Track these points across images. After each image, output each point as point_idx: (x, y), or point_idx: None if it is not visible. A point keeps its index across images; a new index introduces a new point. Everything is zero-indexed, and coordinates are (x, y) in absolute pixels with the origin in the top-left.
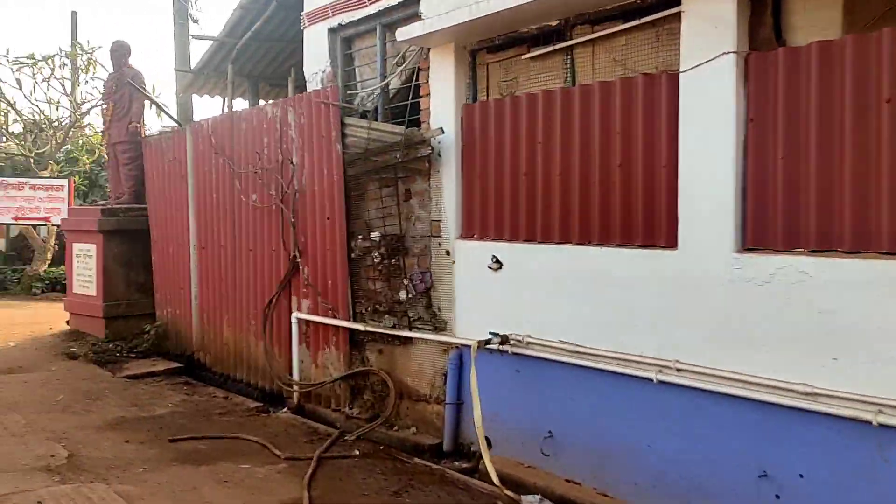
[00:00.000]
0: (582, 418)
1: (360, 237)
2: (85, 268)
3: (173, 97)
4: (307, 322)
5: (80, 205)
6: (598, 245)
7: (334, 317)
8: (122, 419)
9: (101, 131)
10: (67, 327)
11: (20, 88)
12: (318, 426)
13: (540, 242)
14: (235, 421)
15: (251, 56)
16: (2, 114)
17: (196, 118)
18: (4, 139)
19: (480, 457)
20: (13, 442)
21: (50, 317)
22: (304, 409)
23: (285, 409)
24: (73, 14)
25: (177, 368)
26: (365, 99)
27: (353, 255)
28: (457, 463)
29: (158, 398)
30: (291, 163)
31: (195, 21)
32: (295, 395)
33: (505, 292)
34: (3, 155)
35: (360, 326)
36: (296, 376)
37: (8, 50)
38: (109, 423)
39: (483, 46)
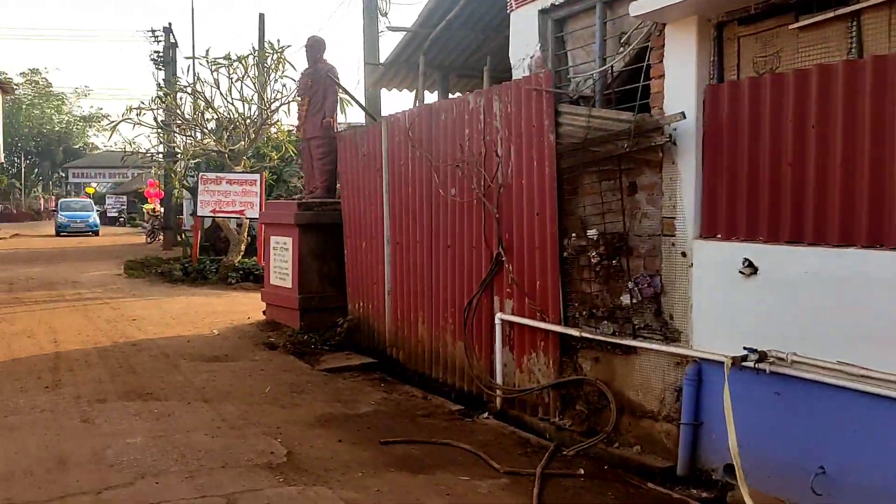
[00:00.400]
0: (870, 455)
1: (573, 235)
2: (281, 260)
3: (361, 92)
4: (511, 324)
5: (266, 199)
6: None
7: (543, 320)
8: (329, 416)
9: (296, 127)
10: (264, 317)
11: (218, 88)
12: (528, 436)
13: (810, 244)
14: (440, 424)
15: (443, 46)
16: (200, 112)
17: (384, 113)
18: (202, 136)
19: (724, 486)
20: (233, 435)
21: (246, 306)
22: (508, 415)
23: (486, 415)
24: (261, 16)
25: (371, 363)
26: (581, 84)
27: (564, 255)
28: (694, 491)
29: (359, 394)
30: (497, 154)
31: (384, 14)
32: (497, 399)
33: (759, 301)
34: (201, 151)
35: (574, 332)
36: (498, 380)
37: (207, 51)
38: (318, 419)
39: (733, 18)
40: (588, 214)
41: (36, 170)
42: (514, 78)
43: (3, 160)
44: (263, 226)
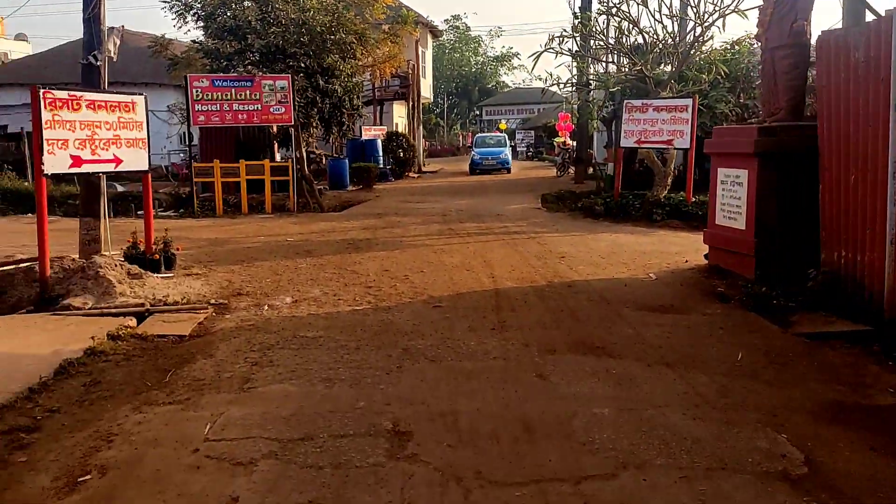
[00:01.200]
0: None
1: None
2: (731, 196)
3: None
4: None
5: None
6: None
7: None
8: (837, 405)
9: (755, 35)
10: (705, 262)
11: (645, 5)
12: None
13: None
14: None
15: None
16: (624, 33)
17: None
18: (623, 61)
19: None
20: (718, 419)
21: (678, 247)
22: None
23: None
24: None
25: (863, 332)
26: None
27: None
28: None
29: (864, 375)
30: None
31: None
32: None
33: None
34: (624, 77)
35: None
36: None
37: None
38: (823, 407)
39: None
40: None
41: (455, 109)
42: None
43: (431, 101)
44: (711, 156)
